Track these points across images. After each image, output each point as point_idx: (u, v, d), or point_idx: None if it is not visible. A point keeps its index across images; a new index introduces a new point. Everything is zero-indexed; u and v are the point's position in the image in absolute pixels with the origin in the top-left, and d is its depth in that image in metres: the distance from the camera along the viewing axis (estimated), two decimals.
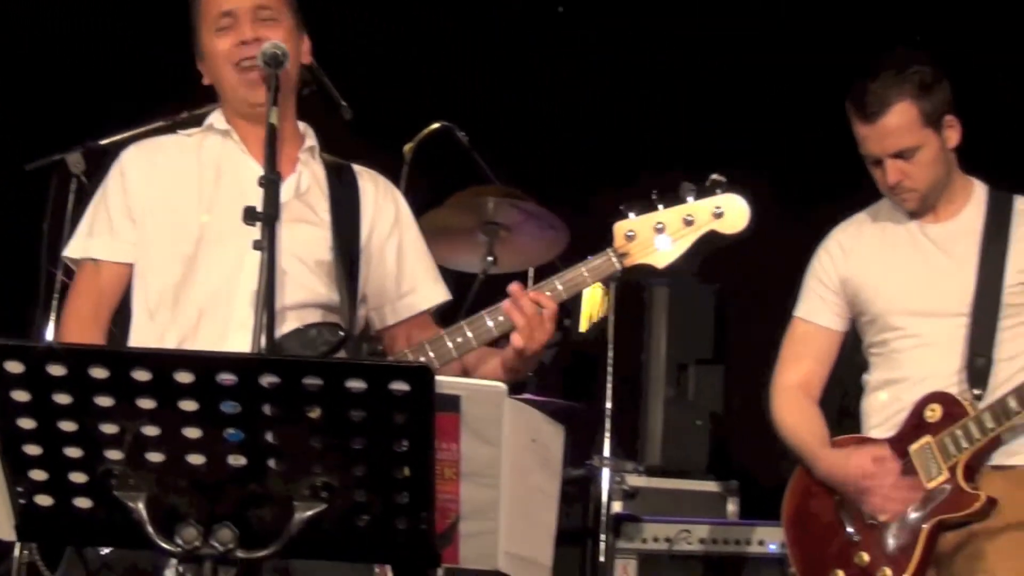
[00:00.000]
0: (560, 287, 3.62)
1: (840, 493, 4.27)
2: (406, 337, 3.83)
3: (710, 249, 3.65)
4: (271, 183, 3.29)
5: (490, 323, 3.62)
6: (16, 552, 5.53)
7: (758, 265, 5.79)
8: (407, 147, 5.91)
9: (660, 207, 3.61)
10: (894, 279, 4.36)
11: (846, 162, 4.47)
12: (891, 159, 4.20)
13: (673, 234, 3.61)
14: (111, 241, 3.81)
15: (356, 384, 2.49)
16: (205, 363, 2.57)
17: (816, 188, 4.89)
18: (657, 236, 3.61)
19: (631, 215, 3.61)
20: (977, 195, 4.39)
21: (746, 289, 6.28)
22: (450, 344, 3.62)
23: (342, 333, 3.68)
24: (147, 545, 2.71)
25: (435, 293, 3.96)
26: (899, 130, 4.18)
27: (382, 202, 4.00)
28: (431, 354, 3.62)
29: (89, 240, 3.84)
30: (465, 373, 3.79)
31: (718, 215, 3.61)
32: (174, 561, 3.10)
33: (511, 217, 5.72)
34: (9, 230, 6.21)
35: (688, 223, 3.60)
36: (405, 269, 3.97)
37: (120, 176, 3.87)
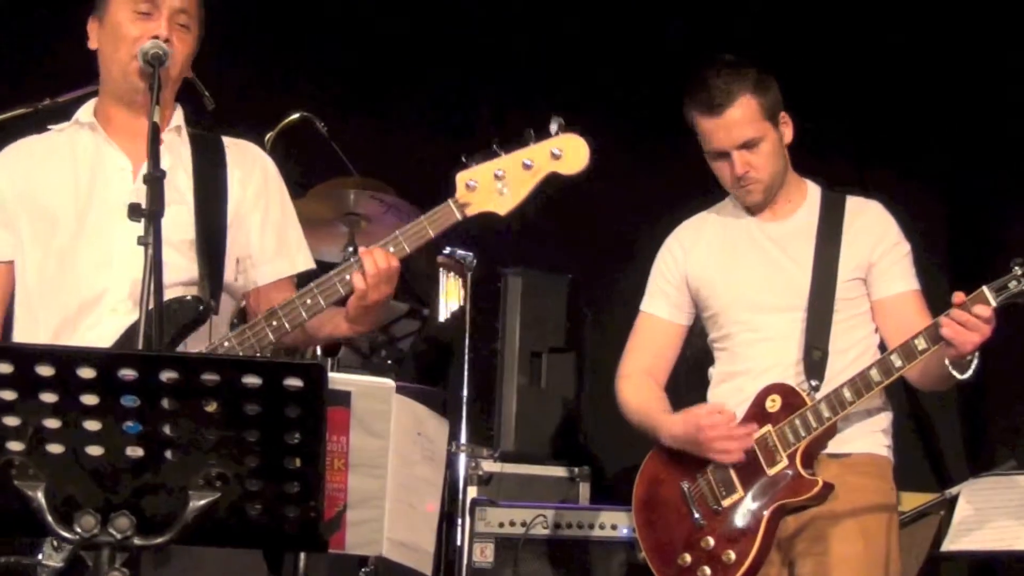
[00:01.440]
0: (403, 240, 3.69)
1: (686, 478, 4.30)
2: (267, 300, 3.84)
3: (555, 190, 3.65)
4: (155, 180, 3.30)
5: (338, 284, 3.68)
6: None
7: (610, 255, 5.92)
8: (268, 136, 5.89)
9: (501, 154, 3.67)
10: (734, 276, 4.42)
11: (698, 162, 4.47)
12: (737, 150, 4.25)
13: (512, 180, 3.68)
14: None
15: (252, 380, 2.58)
16: (108, 359, 2.66)
17: (671, 185, 5.02)
18: (497, 182, 3.67)
19: (472, 165, 3.67)
20: (811, 195, 4.49)
21: (598, 280, 6.26)
22: (301, 308, 3.66)
23: (202, 307, 3.68)
24: (46, 533, 2.79)
25: (298, 261, 4.02)
26: (743, 121, 4.24)
27: (249, 172, 4.01)
28: (283, 319, 3.66)
29: None
30: (313, 333, 3.95)
31: (557, 156, 3.67)
32: (49, 541, 3.26)
33: (371, 208, 5.83)
34: None
35: (527, 167, 3.67)
36: (269, 236, 3.99)
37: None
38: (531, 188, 3.68)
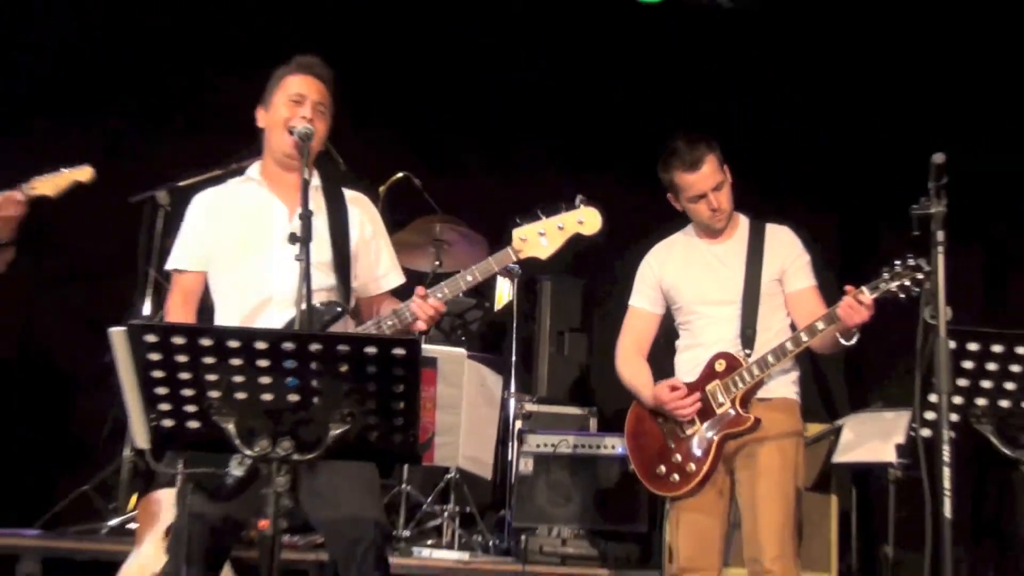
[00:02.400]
0: (477, 272, 3.67)
1: (660, 417, 4.24)
2: (376, 303, 3.84)
3: (580, 246, 3.67)
4: (307, 217, 3.33)
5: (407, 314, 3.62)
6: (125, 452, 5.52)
7: (609, 267, 5.79)
8: (381, 188, 5.88)
9: (542, 218, 3.69)
10: (692, 281, 4.30)
11: (665, 207, 4.39)
12: (712, 192, 4.14)
13: (550, 236, 3.69)
14: (187, 256, 3.81)
15: (370, 349, 2.64)
16: (276, 336, 2.72)
17: (648, 223, 4.98)
18: (540, 238, 3.69)
19: (523, 224, 3.68)
20: (742, 224, 4.36)
21: (603, 282, 6.23)
22: (407, 313, 3.61)
23: (339, 309, 3.65)
24: (235, 451, 2.82)
25: (394, 279, 3.94)
26: (712, 171, 4.13)
27: (363, 216, 3.95)
28: (397, 319, 3.63)
29: (177, 258, 3.83)
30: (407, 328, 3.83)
31: (580, 223, 3.70)
32: (236, 456, 3.31)
33: (451, 236, 5.86)
34: (116, 242, 5.96)
35: (560, 229, 3.69)
36: (377, 263, 3.93)
37: (193, 217, 3.87)
38: (563, 242, 3.70)
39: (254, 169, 3.89)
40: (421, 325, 3.66)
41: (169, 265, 3.87)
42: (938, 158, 3.04)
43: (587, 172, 6.35)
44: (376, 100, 6.34)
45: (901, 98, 6.38)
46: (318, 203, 3.71)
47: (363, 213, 3.94)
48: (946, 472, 2.87)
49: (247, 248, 3.76)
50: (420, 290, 3.60)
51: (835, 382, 6.11)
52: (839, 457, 5.12)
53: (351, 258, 3.83)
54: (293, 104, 3.70)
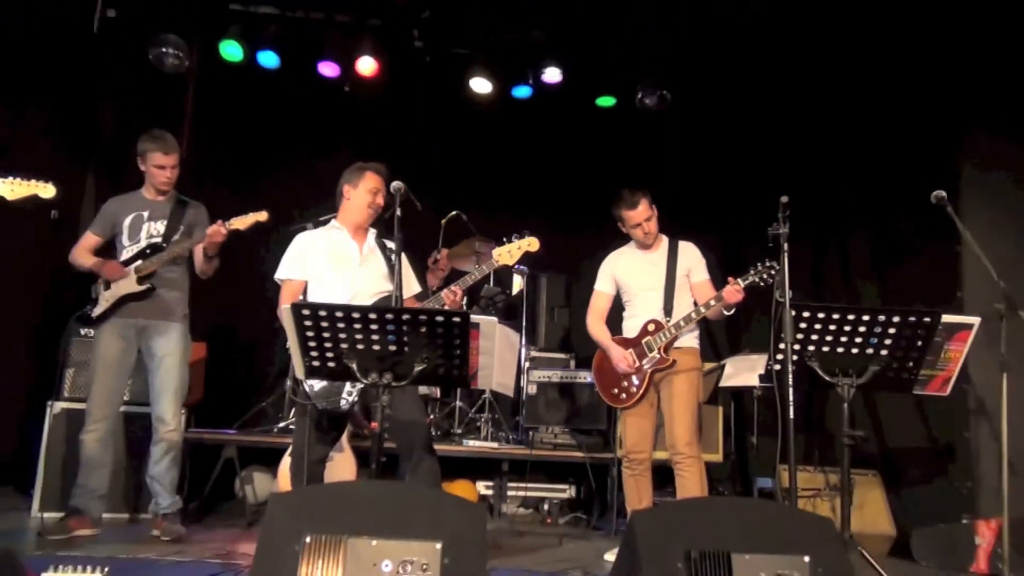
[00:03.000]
0: (475, 273, 3.69)
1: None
2: (408, 304, 3.65)
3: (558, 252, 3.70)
4: (399, 253, 3.32)
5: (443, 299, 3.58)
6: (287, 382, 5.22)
7: (582, 266, 5.43)
8: (443, 220, 5.64)
9: (508, 242, 3.72)
10: (633, 275, 4.19)
11: (615, 231, 4.25)
12: (645, 222, 4.06)
13: (512, 252, 3.70)
14: (297, 271, 3.60)
15: (439, 319, 2.63)
16: (380, 311, 2.69)
17: (606, 239, 4.88)
18: (506, 253, 3.69)
19: (499, 246, 3.72)
20: (664, 240, 4.21)
21: (578, 276, 5.85)
22: (435, 303, 3.57)
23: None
24: (355, 379, 2.79)
25: (416, 288, 3.79)
26: (645, 209, 4.04)
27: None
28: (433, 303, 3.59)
29: (287, 269, 3.62)
30: None
31: (529, 244, 3.72)
32: (350, 387, 3.23)
33: (485, 250, 5.60)
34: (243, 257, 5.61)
35: (518, 248, 3.70)
36: (409, 280, 3.74)
37: (300, 246, 3.66)
38: (520, 255, 3.72)
39: (335, 222, 3.73)
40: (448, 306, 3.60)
41: (279, 275, 3.65)
42: (784, 199, 3.04)
43: (561, 215, 6.09)
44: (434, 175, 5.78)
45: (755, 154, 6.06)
46: (372, 246, 3.69)
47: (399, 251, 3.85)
48: (789, 391, 2.88)
49: (333, 268, 3.61)
50: (455, 289, 3.61)
51: (720, 336, 6.00)
52: (723, 383, 5.06)
53: (402, 276, 3.60)
54: (372, 194, 3.65)
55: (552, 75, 5.97)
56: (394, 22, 5.79)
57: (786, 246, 3.03)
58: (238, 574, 3.09)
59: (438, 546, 1.74)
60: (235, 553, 3.57)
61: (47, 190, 3.26)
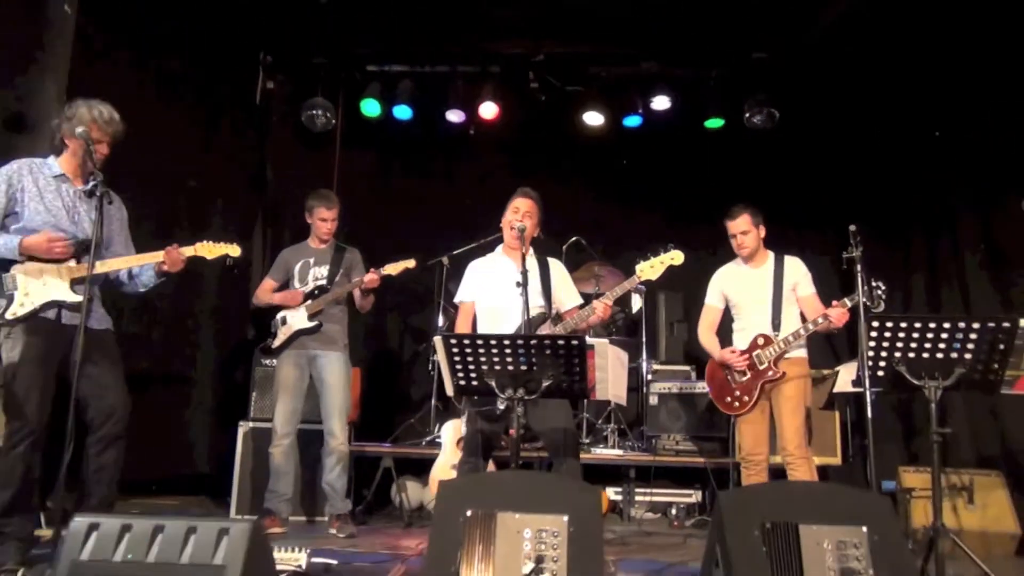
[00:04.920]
0: (618, 290, 3.73)
1: (726, 368, 4.21)
2: (568, 316, 3.79)
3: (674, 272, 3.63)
4: (524, 273, 3.55)
5: (587, 316, 3.68)
6: (432, 400, 5.92)
7: (694, 285, 5.67)
8: (564, 246, 5.77)
9: (651, 256, 3.73)
10: (741, 290, 4.25)
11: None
12: (741, 234, 4.16)
13: (654, 266, 3.72)
14: (468, 294, 3.98)
15: (561, 343, 2.92)
16: (514, 338, 3.00)
17: (708, 250, 4.90)
18: (648, 267, 3.71)
19: (641, 261, 3.73)
20: (770, 256, 4.25)
21: (691, 294, 5.56)
22: (579, 320, 3.68)
23: (544, 316, 3.76)
24: (496, 396, 3.08)
25: (574, 301, 3.92)
26: (743, 223, 4.16)
27: (558, 271, 3.97)
28: (571, 324, 3.69)
29: (461, 294, 4.00)
30: (576, 327, 3.74)
31: (672, 258, 3.72)
32: (500, 400, 3.32)
33: (604, 272, 5.84)
34: (421, 287, 6.22)
35: (661, 263, 3.71)
36: (566, 295, 3.92)
37: (469, 274, 4.02)
38: (663, 270, 3.74)
39: (500, 247, 4.01)
40: (595, 319, 3.67)
41: (457, 299, 4.03)
42: (852, 227, 3.36)
43: (675, 235, 5.83)
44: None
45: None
46: (532, 264, 3.83)
47: (557, 269, 4.02)
48: (867, 394, 3.19)
49: (496, 290, 3.86)
50: (606, 299, 3.67)
51: (840, 344, 5.85)
52: (836, 389, 5.13)
53: (552, 291, 3.90)
54: (513, 212, 3.89)
55: (661, 103, 6.40)
56: (512, 68, 6.38)
57: (859, 267, 3.35)
58: (405, 561, 3.65)
59: (565, 519, 2.25)
60: (399, 546, 4.14)
61: (235, 249, 3.59)
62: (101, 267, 3.22)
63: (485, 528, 2.26)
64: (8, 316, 3.18)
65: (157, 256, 3.39)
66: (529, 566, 2.21)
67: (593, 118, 6.44)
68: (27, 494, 3.11)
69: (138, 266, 3.44)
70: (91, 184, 3.15)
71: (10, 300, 3.20)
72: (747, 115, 6.30)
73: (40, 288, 3.21)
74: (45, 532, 3.41)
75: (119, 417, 3.24)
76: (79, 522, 2.29)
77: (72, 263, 3.27)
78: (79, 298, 3.19)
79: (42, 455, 3.13)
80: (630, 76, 6.40)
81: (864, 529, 2.18)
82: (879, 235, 5.81)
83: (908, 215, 6.06)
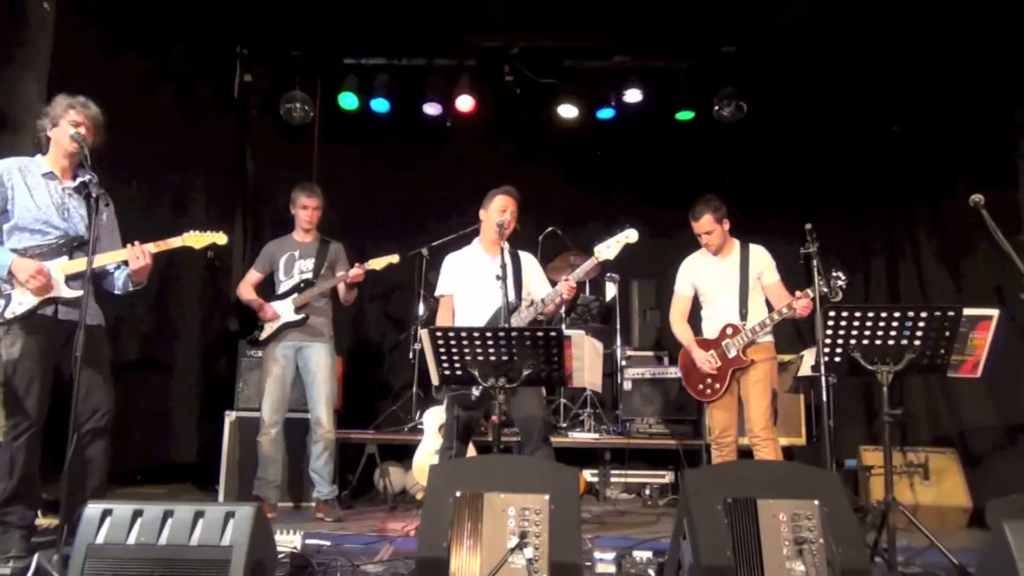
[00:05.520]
0: (580, 272, 3.88)
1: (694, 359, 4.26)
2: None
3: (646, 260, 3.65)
4: (504, 267, 3.66)
5: (550, 302, 3.80)
6: (414, 388, 5.90)
7: (666, 273, 5.64)
8: (540, 236, 5.85)
9: (607, 239, 3.78)
10: (708, 279, 4.34)
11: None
12: (706, 234, 4.25)
13: (611, 246, 3.78)
14: (447, 288, 4.09)
15: (539, 334, 3.04)
16: (495, 330, 3.09)
17: (679, 239, 4.73)
18: (605, 248, 3.77)
19: (600, 244, 3.79)
20: (736, 244, 4.33)
21: (664, 282, 5.39)
22: (542, 305, 3.79)
23: (514, 305, 3.83)
24: (477, 384, 3.20)
25: (544, 290, 4.00)
26: (707, 223, 4.23)
27: (529, 264, 4.12)
28: (544, 300, 3.80)
29: (441, 288, 4.11)
30: (544, 312, 3.87)
31: (628, 237, 3.78)
32: (476, 387, 3.60)
33: (579, 261, 5.52)
34: (402, 275, 5.99)
35: (617, 242, 3.78)
36: (537, 287, 4.05)
37: (447, 269, 4.12)
38: (619, 249, 3.77)
39: (476, 241, 4.15)
40: (561, 300, 3.75)
41: (437, 293, 4.16)
42: (808, 226, 3.54)
43: (647, 223, 5.36)
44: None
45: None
46: (503, 259, 3.86)
47: (528, 261, 4.17)
48: (822, 379, 3.41)
49: (472, 285, 4.01)
50: (570, 282, 3.78)
51: (806, 329, 5.86)
52: (801, 373, 5.26)
53: (523, 284, 4.06)
54: (500, 212, 4.00)
55: (633, 96, 6.55)
56: (487, 61, 6.47)
57: (816, 262, 3.56)
58: (393, 542, 3.83)
59: (546, 497, 2.43)
60: (386, 529, 4.31)
61: (221, 238, 3.61)
62: (96, 261, 3.24)
63: (473, 507, 2.45)
64: (7, 315, 3.25)
65: (122, 255, 3.38)
66: (514, 541, 2.39)
67: (567, 111, 6.57)
68: (29, 484, 3.21)
69: (113, 265, 3.46)
70: (78, 181, 3.26)
71: (8, 299, 3.27)
72: (716, 108, 6.48)
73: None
74: (43, 521, 3.49)
75: (103, 413, 3.33)
76: (93, 508, 2.46)
77: (65, 259, 3.33)
78: (76, 293, 3.27)
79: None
80: (603, 69, 6.53)
81: (816, 503, 2.42)
82: (842, 222, 6.20)
83: (868, 203, 6.29)
